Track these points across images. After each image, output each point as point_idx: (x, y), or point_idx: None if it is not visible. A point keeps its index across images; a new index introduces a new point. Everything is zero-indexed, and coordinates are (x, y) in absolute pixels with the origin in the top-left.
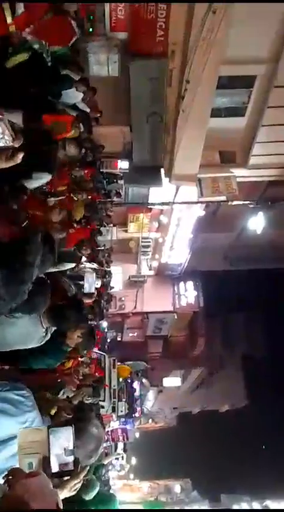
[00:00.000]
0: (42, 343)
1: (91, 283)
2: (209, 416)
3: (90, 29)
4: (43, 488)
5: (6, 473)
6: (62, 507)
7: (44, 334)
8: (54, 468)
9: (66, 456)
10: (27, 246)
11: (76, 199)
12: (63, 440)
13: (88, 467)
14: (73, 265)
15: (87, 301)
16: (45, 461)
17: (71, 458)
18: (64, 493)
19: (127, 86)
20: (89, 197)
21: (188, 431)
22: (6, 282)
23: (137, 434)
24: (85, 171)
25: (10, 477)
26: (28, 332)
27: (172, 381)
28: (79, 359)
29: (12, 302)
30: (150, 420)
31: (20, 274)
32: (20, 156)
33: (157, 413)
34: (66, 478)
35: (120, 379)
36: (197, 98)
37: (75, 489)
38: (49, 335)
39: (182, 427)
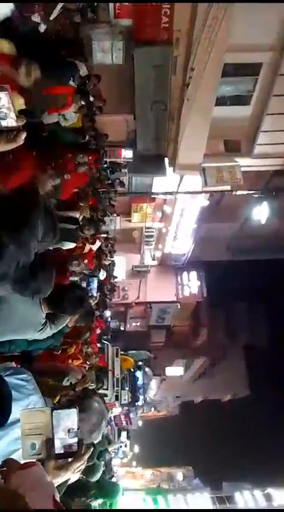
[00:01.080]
0: (40, 335)
1: (93, 287)
2: (211, 405)
3: (94, 16)
4: (39, 479)
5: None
6: (58, 499)
7: (43, 321)
8: (58, 450)
9: (69, 438)
10: (31, 213)
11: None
12: (66, 421)
13: (92, 449)
14: (73, 245)
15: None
16: (49, 443)
17: (74, 440)
18: (67, 475)
19: (132, 74)
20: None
21: (190, 420)
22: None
23: (140, 423)
24: (89, 158)
25: (4, 468)
26: (26, 314)
27: (174, 370)
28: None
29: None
30: (153, 409)
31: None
32: (23, 136)
33: (159, 402)
34: (69, 459)
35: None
36: (202, 86)
37: (79, 471)
38: (48, 329)
39: (184, 415)
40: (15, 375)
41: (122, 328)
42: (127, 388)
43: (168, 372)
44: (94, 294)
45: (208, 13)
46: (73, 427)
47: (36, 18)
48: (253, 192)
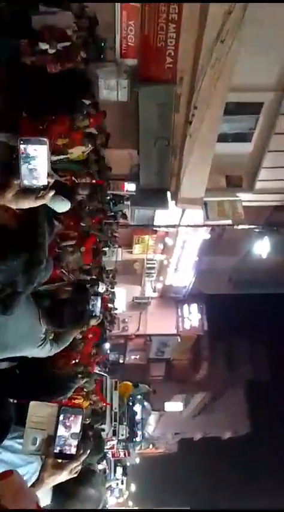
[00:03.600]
0: (39, 351)
1: (97, 305)
2: (211, 443)
3: (101, 56)
4: (21, 488)
5: None
6: (41, 505)
7: (43, 336)
8: (57, 449)
9: (71, 439)
10: (39, 229)
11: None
12: (71, 422)
13: (88, 451)
14: (68, 207)
15: (93, 323)
16: (49, 440)
17: (75, 442)
18: (63, 475)
19: (136, 111)
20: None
21: (189, 458)
22: (25, 268)
23: (137, 460)
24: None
25: None
26: (25, 326)
27: (174, 406)
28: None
29: (30, 286)
30: (151, 445)
31: (37, 256)
32: (51, 194)
33: (158, 438)
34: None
35: (122, 402)
36: (204, 123)
37: (76, 472)
38: (48, 345)
39: (183, 453)
40: (18, 439)
41: (121, 361)
42: (125, 423)
43: (167, 407)
44: (98, 313)
45: (211, 54)
46: (76, 429)
47: (44, 45)
48: (254, 226)
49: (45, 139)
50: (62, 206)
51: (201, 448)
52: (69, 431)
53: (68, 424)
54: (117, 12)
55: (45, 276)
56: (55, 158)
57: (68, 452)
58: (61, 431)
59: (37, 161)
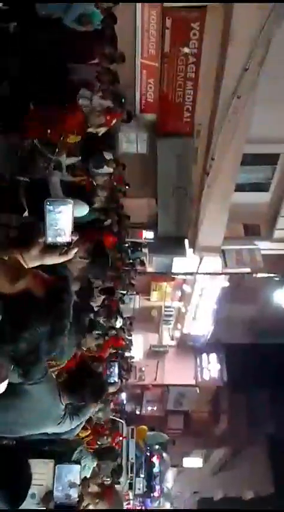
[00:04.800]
0: (59, 428)
1: (115, 372)
2: (232, 503)
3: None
4: None
5: None
6: None
7: (63, 413)
8: (57, 502)
9: (70, 490)
10: (66, 295)
11: None
12: (69, 476)
13: (91, 506)
14: (86, 210)
15: (111, 390)
16: (49, 494)
17: (74, 493)
18: None
19: (154, 162)
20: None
21: None
22: (49, 336)
23: None
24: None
25: None
26: (44, 404)
27: (193, 462)
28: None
29: (52, 354)
30: (169, 505)
31: (61, 324)
32: (74, 251)
33: (176, 497)
34: None
35: (139, 451)
36: (221, 174)
37: None
38: (67, 421)
39: None
40: None
41: (138, 412)
42: (142, 476)
43: (185, 463)
44: (116, 380)
45: (228, 108)
46: (75, 481)
47: None
48: (273, 275)
49: (70, 200)
50: (81, 210)
51: (222, 509)
52: (68, 483)
53: (65, 478)
54: (137, 71)
55: (67, 339)
56: (68, 162)
57: (68, 504)
58: (59, 484)
59: (62, 220)
